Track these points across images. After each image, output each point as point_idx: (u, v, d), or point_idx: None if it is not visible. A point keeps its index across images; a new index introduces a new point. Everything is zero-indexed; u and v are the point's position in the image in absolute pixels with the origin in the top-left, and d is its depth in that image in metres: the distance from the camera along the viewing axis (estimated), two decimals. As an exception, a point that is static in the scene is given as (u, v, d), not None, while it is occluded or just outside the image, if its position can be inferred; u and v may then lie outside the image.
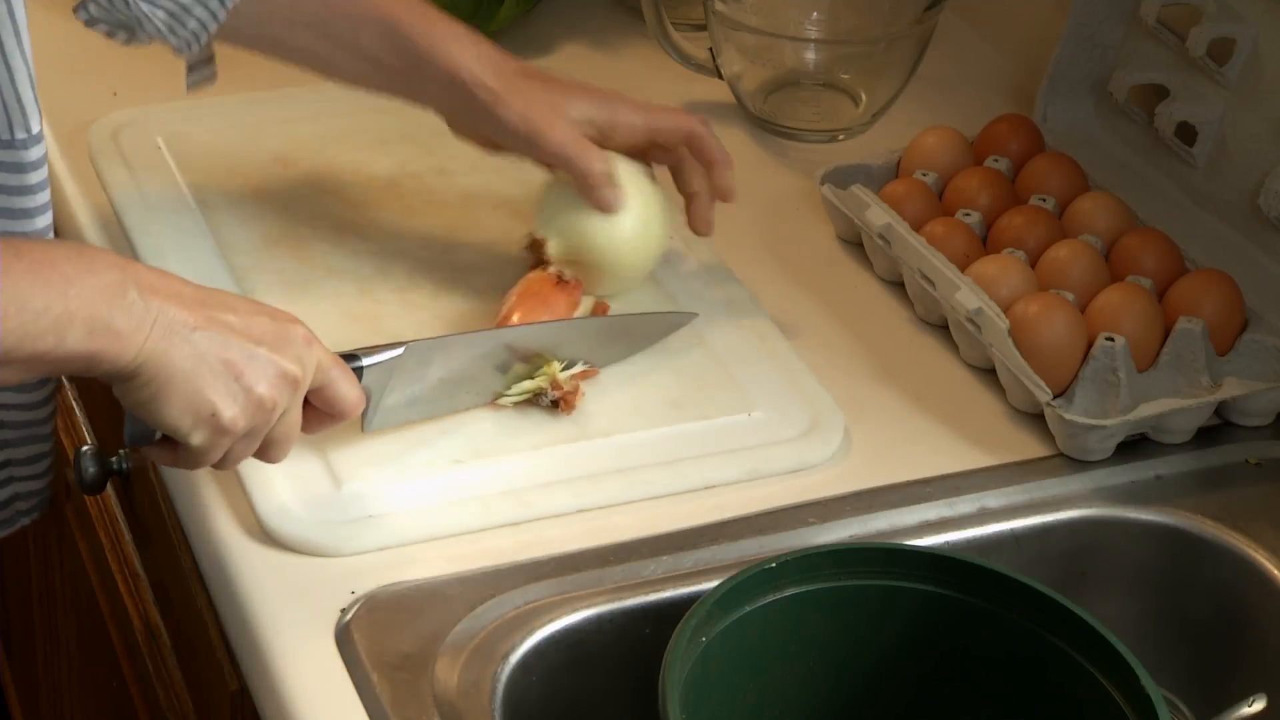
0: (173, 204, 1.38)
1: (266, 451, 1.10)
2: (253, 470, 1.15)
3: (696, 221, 1.32)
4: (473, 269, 1.34)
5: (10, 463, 1.29)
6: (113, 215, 1.38)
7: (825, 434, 1.22)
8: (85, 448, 1.41)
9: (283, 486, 1.14)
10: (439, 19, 1.28)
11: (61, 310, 1.00)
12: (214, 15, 1.26)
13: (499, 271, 1.33)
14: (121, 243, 1.35)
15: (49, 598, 1.85)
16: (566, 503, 1.16)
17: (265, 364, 1.05)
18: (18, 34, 1.14)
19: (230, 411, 1.05)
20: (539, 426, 1.20)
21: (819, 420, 1.23)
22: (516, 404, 1.22)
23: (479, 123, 1.28)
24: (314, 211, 1.39)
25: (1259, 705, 1.08)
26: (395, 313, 1.29)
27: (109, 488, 1.47)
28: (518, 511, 1.15)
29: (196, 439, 1.06)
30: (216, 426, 1.05)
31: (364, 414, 1.16)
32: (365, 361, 1.14)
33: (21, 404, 1.26)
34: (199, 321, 1.04)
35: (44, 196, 1.18)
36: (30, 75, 1.16)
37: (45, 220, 1.18)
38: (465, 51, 1.27)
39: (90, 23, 1.27)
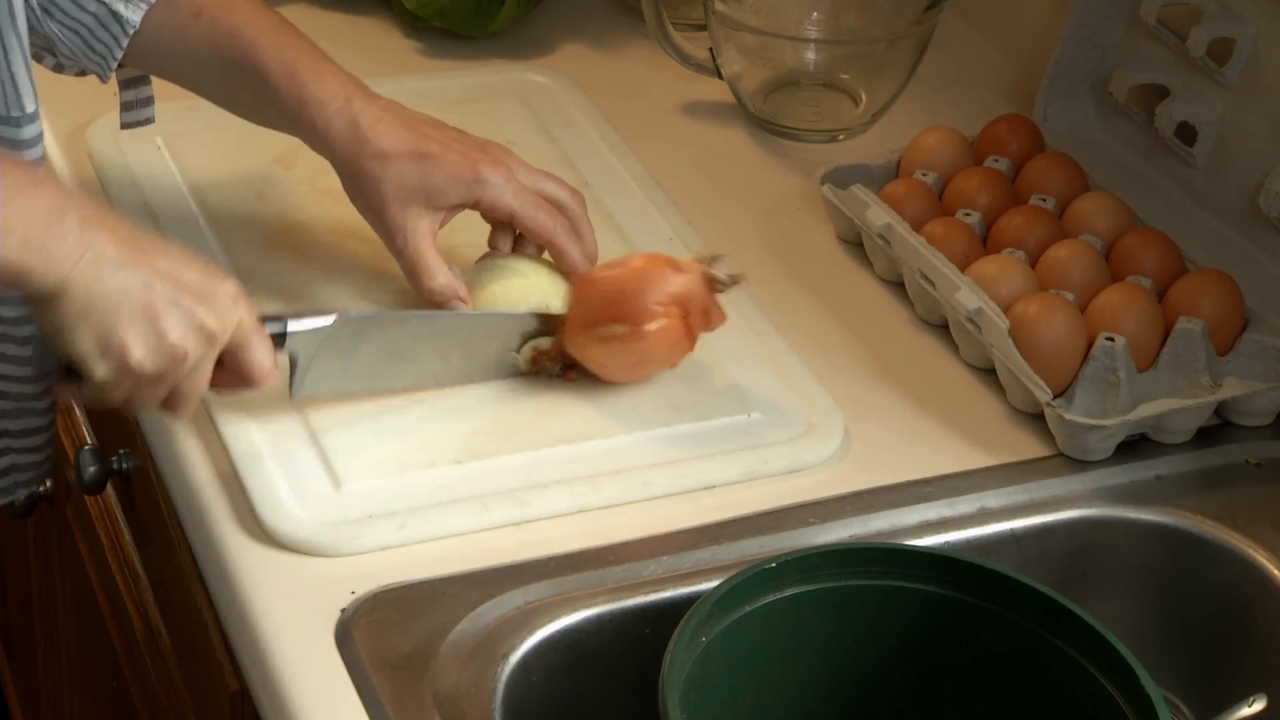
0: (173, 204, 1.39)
1: (173, 403, 1.10)
2: (253, 470, 1.15)
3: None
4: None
5: (7, 433, 1.29)
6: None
7: (824, 434, 1.22)
8: (85, 448, 1.41)
9: (283, 486, 1.14)
10: (312, 73, 1.24)
11: (1, 220, 1.02)
12: (116, 40, 1.26)
13: (499, 271, 1.34)
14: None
15: (49, 598, 1.85)
16: (565, 504, 1.16)
17: (185, 313, 1.06)
18: (11, 11, 1.15)
19: (139, 352, 1.06)
20: (538, 427, 1.20)
21: (818, 420, 1.23)
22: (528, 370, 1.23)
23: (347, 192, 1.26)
24: (314, 213, 1.39)
25: (1259, 705, 1.08)
26: (395, 313, 1.29)
27: (109, 488, 1.47)
28: (516, 512, 1.15)
29: (101, 371, 1.06)
30: (123, 364, 1.06)
31: (291, 380, 1.16)
32: (291, 327, 1.14)
33: (14, 376, 1.27)
34: (129, 259, 1.05)
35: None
36: (25, 54, 1.17)
37: None
38: (330, 124, 1.23)
39: None
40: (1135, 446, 1.23)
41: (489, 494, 1.15)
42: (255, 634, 1.07)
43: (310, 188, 1.41)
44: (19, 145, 1.18)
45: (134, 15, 1.25)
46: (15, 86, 1.17)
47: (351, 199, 1.26)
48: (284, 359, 1.15)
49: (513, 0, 1.61)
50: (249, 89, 1.26)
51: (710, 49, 1.55)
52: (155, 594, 1.41)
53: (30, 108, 1.19)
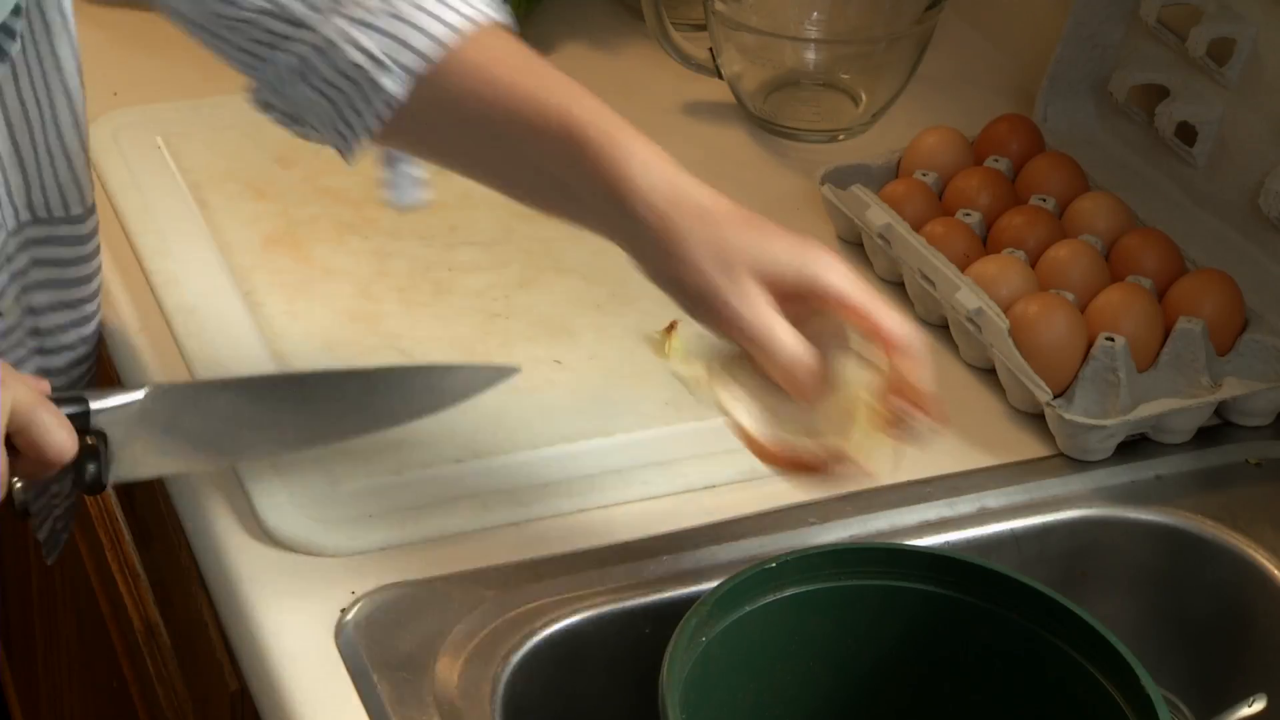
0: (173, 204, 1.39)
1: None
2: (253, 470, 1.15)
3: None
4: (473, 268, 1.34)
5: (56, 493, 1.30)
6: (113, 215, 1.38)
7: (825, 433, 1.22)
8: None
9: (282, 487, 1.14)
10: (623, 135, 1.08)
11: None
12: (372, 112, 1.08)
13: (499, 270, 1.34)
14: (122, 243, 1.35)
15: (49, 598, 1.85)
16: (565, 503, 1.16)
17: None
18: (77, 121, 1.17)
19: None
20: (536, 427, 1.20)
21: (819, 420, 1.23)
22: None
23: (650, 267, 1.06)
24: (314, 212, 1.39)
25: (1259, 705, 1.08)
26: (395, 312, 1.29)
27: (109, 488, 1.47)
28: (516, 512, 1.15)
29: None
30: None
31: (100, 467, 1.05)
32: (93, 405, 1.04)
33: None
34: None
35: (97, 261, 1.22)
36: (86, 155, 1.18)
37: (97, 283, 1.23)
38: (649, 176, 1.05)
39: (264, 108, 1.13)
40: (1135, 446, 1.23)
41: (488, 493, 1.15)
42: (255, 634, 1.07)
43: (310, 186, 1.41)
44: (83, 240, 1.20)
45: (396, 87, 1.07)
46: (79, 185, 1.18)
47: (653, 268, 1.06)
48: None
49: (512, 6, 1.60)
50: (550, 158, 1.08)
51: (710, 49, 1.55)
52: (155, 594, 1.41)
53: (90, 201, 1.20)
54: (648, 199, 1.04)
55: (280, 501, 1.14)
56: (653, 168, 1.05)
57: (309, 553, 1.11)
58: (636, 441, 1.20)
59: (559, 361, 1.26)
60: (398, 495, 1.15)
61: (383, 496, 1.15)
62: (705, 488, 1.18)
